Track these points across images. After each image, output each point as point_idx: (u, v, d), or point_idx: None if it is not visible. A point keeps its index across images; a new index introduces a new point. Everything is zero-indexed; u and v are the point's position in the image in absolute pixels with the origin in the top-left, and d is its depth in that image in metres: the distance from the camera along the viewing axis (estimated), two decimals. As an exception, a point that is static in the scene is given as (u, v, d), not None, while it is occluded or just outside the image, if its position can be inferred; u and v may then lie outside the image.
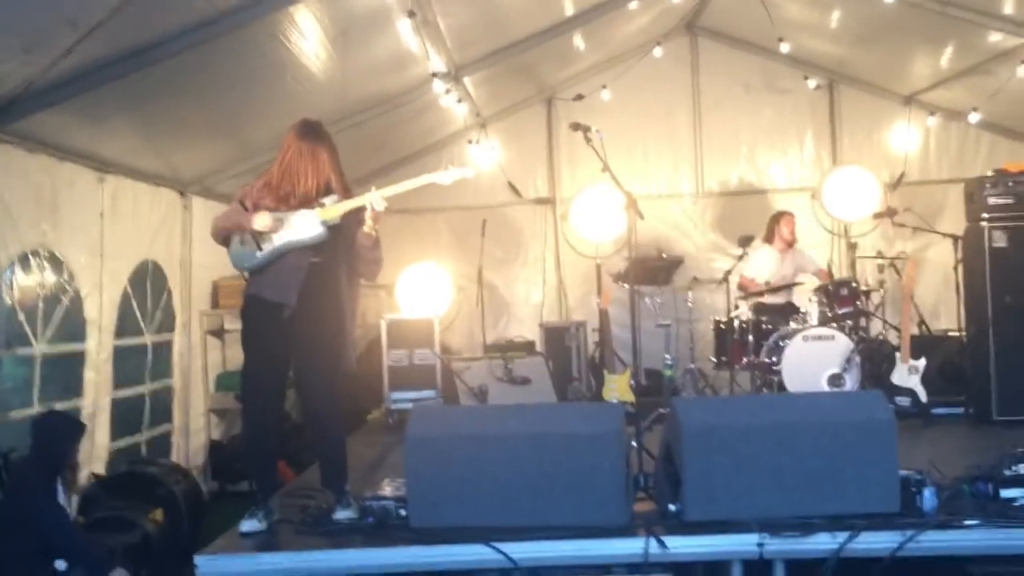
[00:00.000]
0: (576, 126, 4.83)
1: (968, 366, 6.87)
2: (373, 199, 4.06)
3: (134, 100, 5.26)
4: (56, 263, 5.59)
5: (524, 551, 3.68)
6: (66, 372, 5.80)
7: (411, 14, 5.68)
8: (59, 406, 5.64)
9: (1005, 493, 3.97)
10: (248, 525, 3.98)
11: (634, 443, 4.46)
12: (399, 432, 4.32)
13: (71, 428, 4.97)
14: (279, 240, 4.03)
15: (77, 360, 5.86)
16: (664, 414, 5.18)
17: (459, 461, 3.93)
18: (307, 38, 5.52)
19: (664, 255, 7.73)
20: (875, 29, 7.81)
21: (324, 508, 4.19)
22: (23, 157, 5.11)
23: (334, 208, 4.06)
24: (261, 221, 4.03)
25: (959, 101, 8.66)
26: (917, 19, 7.14)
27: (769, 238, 8.04)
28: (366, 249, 4.15)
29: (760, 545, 3.66)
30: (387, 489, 4.45)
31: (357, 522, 4.00)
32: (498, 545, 3.66)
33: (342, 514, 4.05)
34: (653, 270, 7.54)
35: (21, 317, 5.29)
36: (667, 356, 5.71)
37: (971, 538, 3.70)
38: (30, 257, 5.34)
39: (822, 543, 3.66)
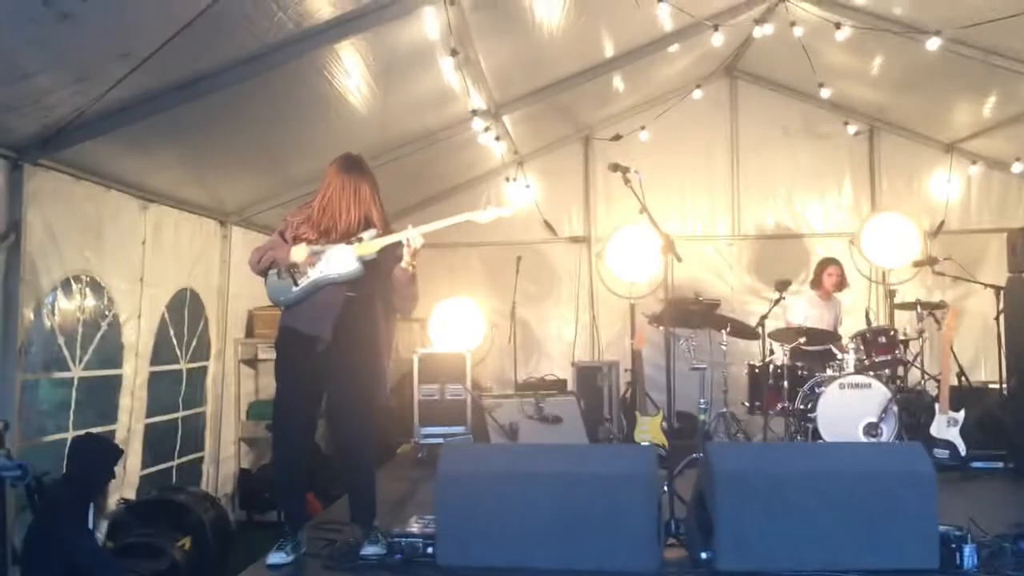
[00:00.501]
0: (615, 167, 4.84)
1: (1008, 419, 6.73)
2: (411, 236, 4.08)
3: (180, 131, 5.35)
4: (97, 289, 5.67)
5: (552, 594, 3.63)
6: (102, 397, 5.85)
7: (454, 53, 5.74)
8: (94, 430, 5.70)
9: (1047, 552, 3.87)
10: (276, 557, 3.98)
11: (666, 487, 4.41)
12: (428, 467, 4.31)
13: (108, 452, 5.00)
14: (315, 274, 4.06)
15: (113, 385, 5.91)
16: (697, 459, 5.12)
17: (489, 499, 3.91)
18: (351, 75, 5.60)
19: (700, 298, 7.67)
20: (916, 76, 7.77)
21: (352, 543, 4.18)
22: (70, 184, 5.21)
23: (371, 244, 4.08)
24: (298, 254, 4.07)
25: (1001, 150, 8.57)
26: (959, 67, 7.09)
27: (815, 284, 7.98)
28: (403, 286, 4.17)
29: (793, 597, 3.60)
30: (415, 526, 4.43)
31: (384, 558, 3.99)
32: (526, 587, 3.62)
33: (370, 549, 4.04)
34: (689, 313, 7.48)
35: (60, 341, 5.36)
36: (701, 400, 5.65)
37: (1012, 598, 3.61)
38: (72, 282, 5.42)
39: (857, 598, 3.59)
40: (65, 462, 4.80)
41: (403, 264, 4.11)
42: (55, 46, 3.95)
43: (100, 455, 4.90)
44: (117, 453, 5.11)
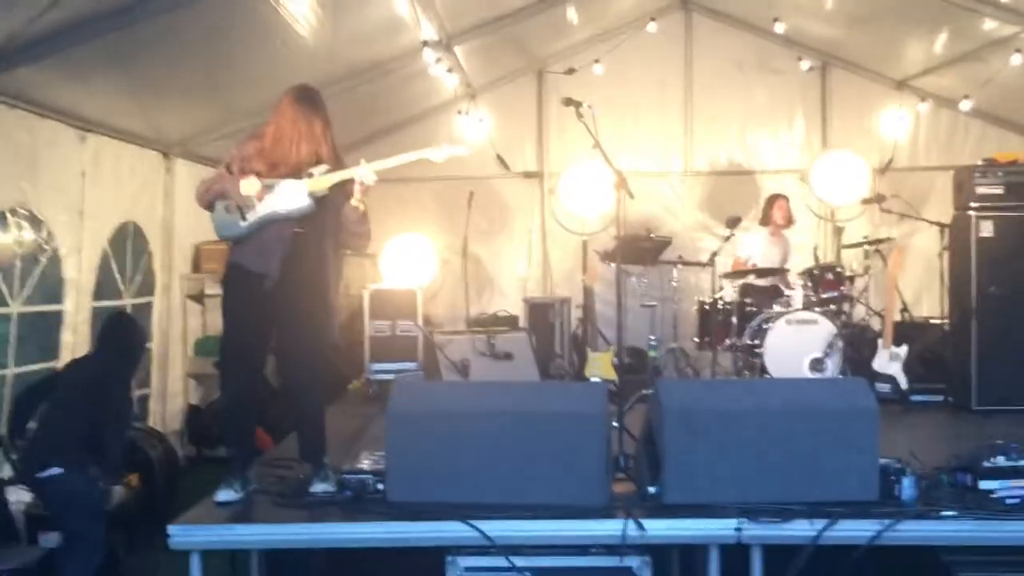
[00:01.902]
0: (568, 101, 4.76)
1: (949, 355, 6.89)
2: (363, 173, 3.99)
3: (119, 58, 5.17)
4: (35, 222, 5.51)
5: (501, 529, 3.65)
6: (43, 333, 5.74)
7: (403, -21, 5.59)
8: (35, 367, 5.60)
9: (984, 484, 3.96)
10: (224, 495, 3.94)
11: (615, 423, 4.44)
12: (379, 403, 4.28)
13: (143, 332, 5.54)
14: (264, 209, 3.96)
15: (54, 321, 5.79)
16: (647, 395, 5.16)
17: (439, 437, 3.89)
18: (297, 1, 5.42)
19: (652, 235, 7.66)
20: (870, 11, 7.76)
21: (301, 480, 4.15)
22: (3, 113, 5.02)
23: (322, 179, 3.98)
24: (249, 186, 3.95)
25: (951, 88, 8.63)
26: (912, 3, 7.12)
27: (764, 220, 8.03)
28: (353, 223, 4.09)
29: (738, 530, 3.66)
30: (366, 462, 4.42)
31: (334, 495, 3.97)
32: (475, 523, 3.63)
33: (319, 487, 4.02)
34: (640, 250, 7.48)
35: (-2, 275, 5.22)
36: (652, 337, 5.68)
37: (949, 528, 3.70)
38: (8, 215, 5.26)
39: (800, 530, 3.65)
40: (101, 340, 5.19)
41: (353, 202, 4.02)
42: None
43: (138, 333, 5.35)
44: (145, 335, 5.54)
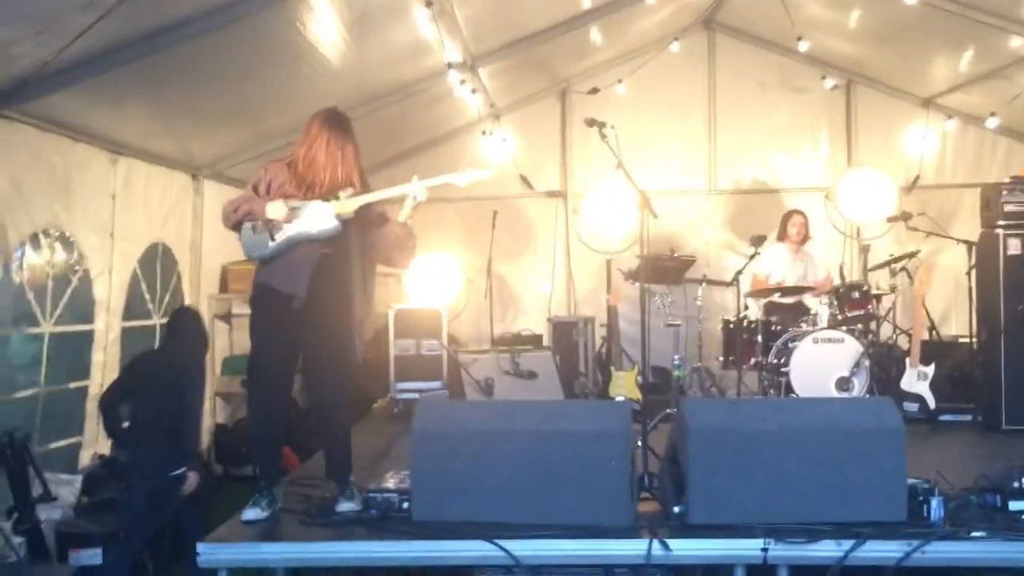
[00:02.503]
0: (591, 122, 4.79)
1: (978, 373, 6.82)
2: (415, 191, 4.05)
3: (149, 83, 5.25)
4: (67, 243, 5.61)
5: (526, 549, 3.66)
6: (74, 353, 5.82)
7: (428, 3, 5.64)
8: (66, 386, 5.68)
9: (1013, 505, 3.93)
10: (251, 513, 3.98)
11: (640, 442, 4.44)
12: (404, 422, 4.30)
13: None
14: (292, 230, 4.01)
15: (85, 341, 5.88)
16: (671, 414, 5.17)
17: (464, 456, 3.91)
18: (323, 25, 5.50)
19: (676, 254, 7.66)
20: (894, 30, 7.74)
21: (327, 499, 4.18)
22: (36, 137, 5.12)
23: (350, 202, 4.03)
24: (276, 210, 4.00)
25: (977, 105, 8.58)
26: (937, 21, 7.07)
27: (781, 236, 8.01)
28: (402, 239, 4.17)
29: (764, 550, 3.65)
30: (391, 481, 4.45)
31: (360, 514, 3.99)
32: (500, 542, 3.64)
33: (345, 505, 4.04)
34: (664, 270, 7.48)
35: (30, 296, 5.31)
36: (676, 356, 5.68)
37: (977, 549, 3.67)
38: (41, 237, 5.35)
39: (827, 550, 3.64)
40: (169, 336, 5.42)
41: (401, 218, 4.11)
42: (15, -2, 3.85)
43: (203, 323, 5.64)
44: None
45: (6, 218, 4.89)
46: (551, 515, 3.82)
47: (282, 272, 4.02)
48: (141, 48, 4.76)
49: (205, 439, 7.39)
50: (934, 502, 3.87)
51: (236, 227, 4.16)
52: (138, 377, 5.12)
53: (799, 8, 7.62)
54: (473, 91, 7.70)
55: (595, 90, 8.88)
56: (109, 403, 5.11)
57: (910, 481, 3.93)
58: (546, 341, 8.19)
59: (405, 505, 3.97)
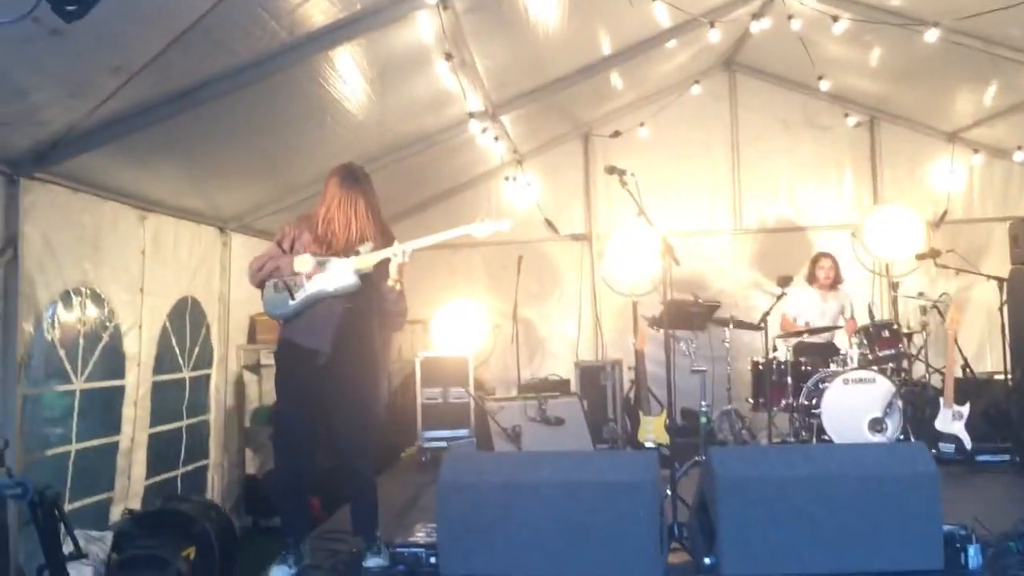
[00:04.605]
0: (612, 169, 4.82)
1: (1014, 411, 6.70)
2: (398, 252, 4.07)
3: (176, 141, 5.34)
4: (97, 300, 5.67)
5: (555, 604, 3.62)
6: (105, 408, 5.85)
7: (448, 56, 5.72)
8: (97, 442, 5.71)
9: (1054, 552, 3.85)
10: (279, 572, 3.98)
11: (669, 491, 4.39)
12: (432, 471, 4.29)
13: None
14: (312, 288, 4.05)
15: (116, 396, 5.91)
16: (699, 461, 5.11)
17: (491, 509, 3.90)
18: (346, 80, 5.58)
19: (700, 300, 7.61)
20: (916, 67, 7.72)
21: (355, 554, 4.17)
22: (67, 196, 5.20)
23: (367, 257, 4.08)
24: (303, 264, 4.06)
25: (1004, 139, 8.52)
26: (959, 57, 7.05)
27: (810, 279, 7.95)
28: (391, 302, 4.18)
29: (798, 602, 3.58)
30: (420, 534, 4.43)
31: (388, 570, 3.98)
32: (529, 597, 3.61)
33: (372, 561, 4.03)
34: (688, 315, 7.43)
35: (61, 353, 5.35)
36: (703, 403, 5.62)
37: (1018, 599, 3.59)
38: (71, 294, 5.42)
39: (862, 602, 3.57)
40: None
41: (389, 281, 4.10)
42: (46, 63, 3.94)
43: None
44: None
45: (37, 277, 4.96)
46: (580, 568, 3.80)
47: (306, 328, 4.06)
48: (167, 108, 4.85)
49: (234, 490, 7.41)
50: (971, 549, 3.81)
51: (261, 284, 4.22)
52: None
53: (819, 47, 7.64)
54: (496, 138, 7.76)
55: (617, 133, 8.95)
56: None
57: (946, 528, 3.86)
58: (573, 386, 8.15)
59: (433, 560, 3.95)
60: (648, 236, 6.86)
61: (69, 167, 4.99)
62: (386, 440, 7.50)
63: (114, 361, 5.86)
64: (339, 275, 4.05)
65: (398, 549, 4.06)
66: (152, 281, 6.15)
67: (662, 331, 5.45)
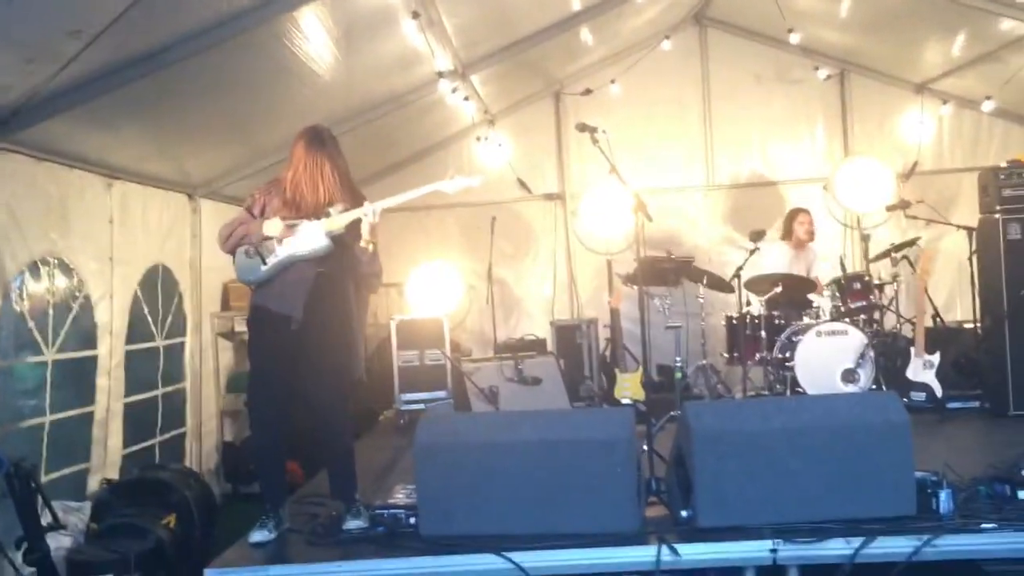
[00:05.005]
0: (583, 127, 4.79)
1: (983, 359, 6.80)
2: (368, 212, 4.04)
3: (141, 106, 5.25)
4: (66, 270, 5.59)
5: (534, 559, 3.67)
6: (78, 378, 5.80)
7: (415, 15, 5.64)
8: (72, 413, 5.68)
9: (1023, 494, 3.92)
10: (258, 535, 3.98)
11: (645, 446, 4.43)
12: (410, 434, 4.29)
13: None
14: (283, 252, 4.02)
15: (89, 366, 5.86)
16: (675, 416, 5.15)
17: (469, 469, 3.92)
18: (311, 41, 5.49)
19: (673, 256, 7.63)
20: (885, 18, 7.72)
21: (334, 516, 4.18)
22: (30, 166, 5.11)
23: (338, 218, 4.04)
24: (272, 227, 4.02)
25: (972, 89, 8.56)
26: (927, 7, 7.06)
27: (786, 235, 7.97)
28: (364, 263, 4.15)
29: (774, 551, 3.65)
30: (400, 495, 4.45)
31: (367, 531, 4.00)
32: (509, 554, 3.64)
33: (352, 523, 4.05)
34: (662, 271, 7.45)
35: (31, 325, 5.29)
36: (677, 359, 5.66)
37: (988, 541, 3.67)
38: (39, 265, 5.34)
39: (837, 549, 3.64)
40: None
41: (362, 242, 4.06)
42: (0, 28, 3.84)
43: None
44: None
45: (3, 248, 4.89)
46: (559, 525, 3.82)
47: (278, 293, 4.04)
48: (131, 72, 4.75)
49: (213, 458, 7.40)
50: (943, 495, 3.87)
51: (232, 250, 4.18)
52: None
53: (789, 0, 7.60)
54: (466, 98, 7.70)
55: (588, 91, 8.90)
56: None
57: (918, 474, 3.92)
58: (550, 345, 8.18)
59: (412, 521, 3.98)
60: (621, 193, 6.84)
61: (32, 135, 4.88)
62: (364, 404, 7.50)
63: (86, 331, 5.81)
64: (310, 238, 4.01)
65: (378, 511, 4.08)
66: (121, 250, 6.07)
67: (637, 288, 5.49)
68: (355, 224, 4.06)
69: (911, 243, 7.71)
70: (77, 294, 5.69)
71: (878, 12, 7.62)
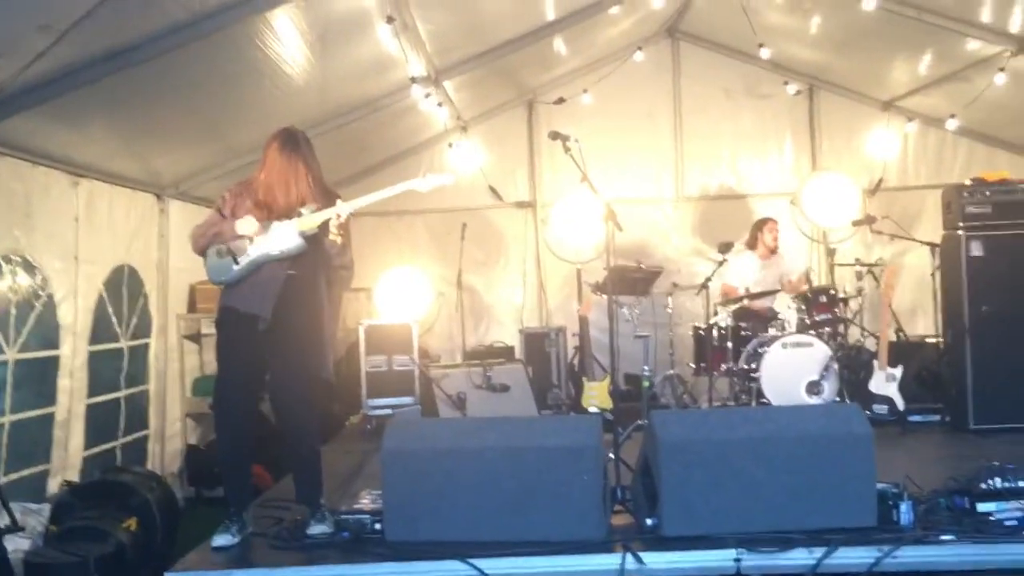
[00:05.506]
0: (555, 135, 4.81)
1: (945, 373, 6.90)
2: (338, 210, 4.02)
3: (111, 103, 5.19)
4: (29, 269, 5.51)
5: (500, 567, 3.66)
6: (40, 379, 5.71)
7: (389, 19, 5.64)
8: (32, 413, 5.59)
9: (981, 507, 3.98)
10: (221, 540, 3.94)
11: (612, 455, 4.45)
12: (377, 439, 4.28)
13: None
14: (255, 252, 3.99)
15: (51, 366, 5.78)
16: (642, 425, 5.17)
17: (436, 475, 3.91)
18: (284, 43, 5.47)
19: (642, 265, 7.67)
20: (854, 35, 7.83)
21: (299, 521, 4.15)
22: (-5, 162, 5.04)
23: (309, 218, 4.02)
24: (246, 226, 4.00)
25: (937, 107, 8.70)
26: (895, 26, 7.17)
27: (752, 244, 8.04)
28: (333, 256, 4.13)
29: (737, 561, 3.67)
30: (366, 500, 4.42)
31: (332, 537, 3.97)
32: (474, 561, 3.63)
33: (316, 528, 4.02)
34: (631, 281, 7.50)
35: (-8, 323, 5.22)
36: (645, 367, 5.68)
37: (947, 553, 3.71)
38: (2, 263, 5.26)
39: (799, 559, 3.67)
40: None
41: (330, 236, 4.04)
42: (-32, 22, 3.80)
43: None
44: None
45: (-35, 245, 4.82)
46: (524, 532, 3.83)
47: (247, 294, 4.01)
48: (100, 69, 4.70)
49: (176, 461, 7.32)
50: (903, 506, 3.92)
51: (203, 252, 4.14)
52: None
53: (760, 16, 7.69)
54: (439, 104, 7.70)
55: (561, 100, 8.93)
56: None
57: (880, 486, 3.97)
58: (518, 352, 8.19)
59: (377, 526, 3.95)
60: (592, 203, 6.88)
61: (-3, 131, 4.82)
62: (331, 409, 7.46)
63: (48, 331, 5.72)
64: (283, 237, 3.99)
65: (343, 516, 4.05)
66: (87, 249, 5.99)
67: (606, 297, 5.51)
68: (327, 225, 4.05)
69: (875, 264, 7.84)
70: (40, 293, 5.61)
71: (847, 29, 7.73)
